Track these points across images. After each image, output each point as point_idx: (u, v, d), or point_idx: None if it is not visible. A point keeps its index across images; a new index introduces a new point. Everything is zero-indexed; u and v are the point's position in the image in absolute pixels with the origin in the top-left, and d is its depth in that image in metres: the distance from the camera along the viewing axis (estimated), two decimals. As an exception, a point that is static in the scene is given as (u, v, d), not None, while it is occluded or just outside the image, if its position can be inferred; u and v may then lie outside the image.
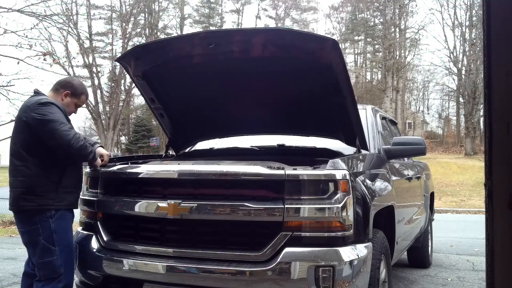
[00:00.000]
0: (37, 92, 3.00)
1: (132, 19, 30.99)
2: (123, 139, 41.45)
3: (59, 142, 2.75)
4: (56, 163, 2.85)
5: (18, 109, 2.96)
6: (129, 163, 3.41)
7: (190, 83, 3.60)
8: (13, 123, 3.09)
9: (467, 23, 33.29)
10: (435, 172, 14.35)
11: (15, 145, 2.83)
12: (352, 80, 16.93)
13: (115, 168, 3.09)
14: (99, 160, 3.08)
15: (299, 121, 3.72)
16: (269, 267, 2.45)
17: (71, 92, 3.07)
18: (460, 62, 33.70)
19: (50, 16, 12.91)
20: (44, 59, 12.02)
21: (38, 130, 2.77)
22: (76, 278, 3.12)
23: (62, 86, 3.07)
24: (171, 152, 4.30)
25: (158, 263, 2.68)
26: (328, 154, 3.25)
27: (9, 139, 2.99)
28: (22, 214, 2.84)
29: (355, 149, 3.33)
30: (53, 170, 2.84)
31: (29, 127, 2.78)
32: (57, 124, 2.75)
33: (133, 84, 3.47)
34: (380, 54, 37.91)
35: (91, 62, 29.46)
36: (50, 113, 2.77)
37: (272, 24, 44.72)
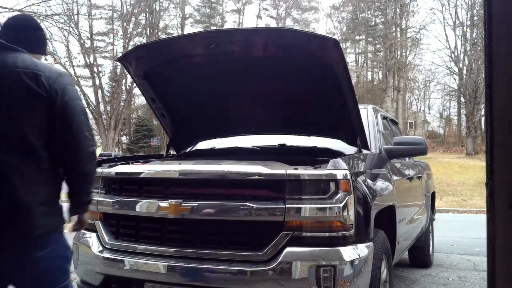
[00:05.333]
0: (10, 48, 1.89)
1: (133, 19, 31.01)
2: (124, 139, 41.48)
3: (74, 151, 1.89)
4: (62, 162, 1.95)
5: None
6: (130, 163, 3.41)
7: (191, 82, 3.60)
8: None
9: (468, 22, 33.28)
10: (436, 171, 14.34)
11: (19, 131, 1.79)
12: (353, 80, 16.89)
13: (116, 168, 3.09)
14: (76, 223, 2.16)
15: (300, 120, 3.72)
16: (270, 267, 2.45)
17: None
18: (461, 62, 33.71)
19: (51, 16, 12.95)
20: (45, 59, 12.04)
21: (61, 120, 1.85)
22: (77, 278, 3.12)
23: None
24: (172, 152, 4.30)
25: (159, 263, 2.68)
26: (329, 154, 3.25)
27: None
28: (30, 237, 1.85)
29: (356, 149, 3.33)
30: (61, 171, 1.97)
31: (49, 106, 1.83)
32: (86, 126, 1.92)
33: (134, 84, 3.46)
34: (381, 53, 37.90)
35: (92, 62, 29.50)
36: (79, 101, 1.93)
37: (273, 24, 44.74)
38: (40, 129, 1.81)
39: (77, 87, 2.46)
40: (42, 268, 1.88)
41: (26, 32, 2.02)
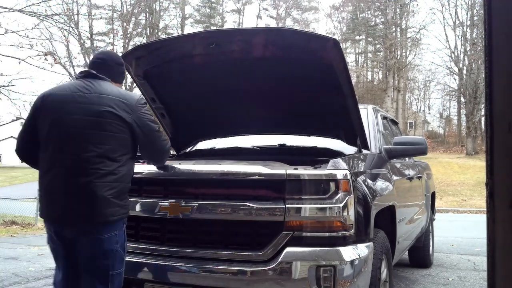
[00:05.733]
0: (100, 77, 2.49)
1: (133, 19, 30.98)
2: (124, 139, 41.43)
3: (156, 152, 2.60)
4: (133, 168, 2.53)
5: (81, 100, 2.37)
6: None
7: (191, 82, 3.60)
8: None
9: (468, 22, 33.30)
10: (436, 171, 14.34)
11: (104, 142, 2.32)
12: (353, 80, 16.89)
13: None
14: None
15: (300, 121, 3.72)
16: (270, 267, 2.45)
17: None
18: (461, 62, 33.72)
19: (51, 16, 12.93)
20: (45, 59, 12.04)
21: (141, 134, 2.44)
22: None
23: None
24: (172, 152, 4.30)
25: (159, 263, 2.69)
26: (329, 154, 3.25)
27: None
28: (104, 222, 2.34)
29: (356, 149, 3.33)
30: (132, 174, 2.51)
31: (130, 127, 2.40)
32: (159, 133, 2.56)
33: (134, 84, 3.45)
34: (381, 53, 37.89)
35: (92, 62, 29.44)
36: (152, 117, 2.55)
37: (273, 24, 44.72)
38: (121, 141, 2.38)
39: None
40: (106, 249, 2.35)
41: (113, 67, 2.62)
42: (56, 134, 2.35)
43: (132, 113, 2.40)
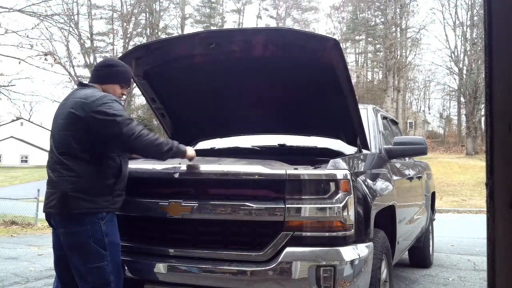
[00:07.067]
0: (85, 85, 2.74)
1: (133, 19, 30.98)
2: (124, 139, 41.35)
3: (127, 140, 2.51)
4: (113, 165, 2.60)
5: (61, 103, 2.69)
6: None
7: (191, 82, 3.60)
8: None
9: (468, 22, 33.29)
10: (436, 171, 14.34)
11: (67, 142, 2.53)
12: (353, 80, 16.89)
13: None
14: (190, 153, 2.78)
15: (300, 120, 3.72)
16: (270, 267, 2.45)
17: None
18: (461, 62, 33.71)
19: (51, 16, 12.93)
20: (45, 59, 12.04)
21: (102, 130, 2.52)
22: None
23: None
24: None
25: (159, 263, 2.69)
26: (329, 154, 3.25)
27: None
28: (69, 215, 2.50)
29: (356, 149, 3.33)
30: (110, 171, 2.58)
31: (87, 123, 2.51)
32: (120, 124, 2.51)
33: (134, 84, 3.44)
34: (381, 53, 37.88)
35: (92, 62, 29.48)
36: (113, 111, 2.54)
37: (273, 24, 44.72)
38: (79, 139, 2.52)
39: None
40: (78, 242, 2.50)
41: (97, 70, 2.82)
42: (50, 137, 2.70)
43: (88, 109, 2.52)
